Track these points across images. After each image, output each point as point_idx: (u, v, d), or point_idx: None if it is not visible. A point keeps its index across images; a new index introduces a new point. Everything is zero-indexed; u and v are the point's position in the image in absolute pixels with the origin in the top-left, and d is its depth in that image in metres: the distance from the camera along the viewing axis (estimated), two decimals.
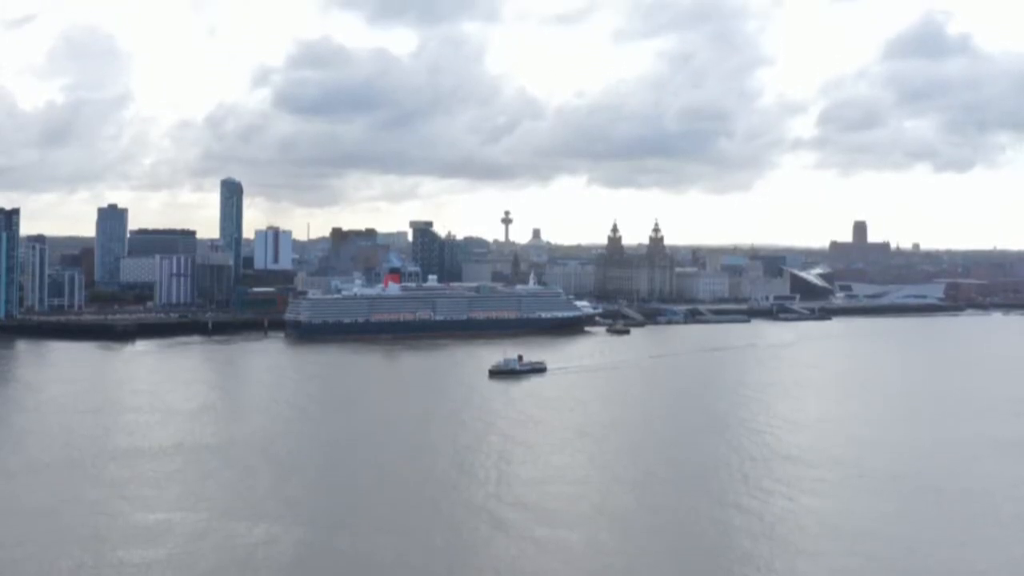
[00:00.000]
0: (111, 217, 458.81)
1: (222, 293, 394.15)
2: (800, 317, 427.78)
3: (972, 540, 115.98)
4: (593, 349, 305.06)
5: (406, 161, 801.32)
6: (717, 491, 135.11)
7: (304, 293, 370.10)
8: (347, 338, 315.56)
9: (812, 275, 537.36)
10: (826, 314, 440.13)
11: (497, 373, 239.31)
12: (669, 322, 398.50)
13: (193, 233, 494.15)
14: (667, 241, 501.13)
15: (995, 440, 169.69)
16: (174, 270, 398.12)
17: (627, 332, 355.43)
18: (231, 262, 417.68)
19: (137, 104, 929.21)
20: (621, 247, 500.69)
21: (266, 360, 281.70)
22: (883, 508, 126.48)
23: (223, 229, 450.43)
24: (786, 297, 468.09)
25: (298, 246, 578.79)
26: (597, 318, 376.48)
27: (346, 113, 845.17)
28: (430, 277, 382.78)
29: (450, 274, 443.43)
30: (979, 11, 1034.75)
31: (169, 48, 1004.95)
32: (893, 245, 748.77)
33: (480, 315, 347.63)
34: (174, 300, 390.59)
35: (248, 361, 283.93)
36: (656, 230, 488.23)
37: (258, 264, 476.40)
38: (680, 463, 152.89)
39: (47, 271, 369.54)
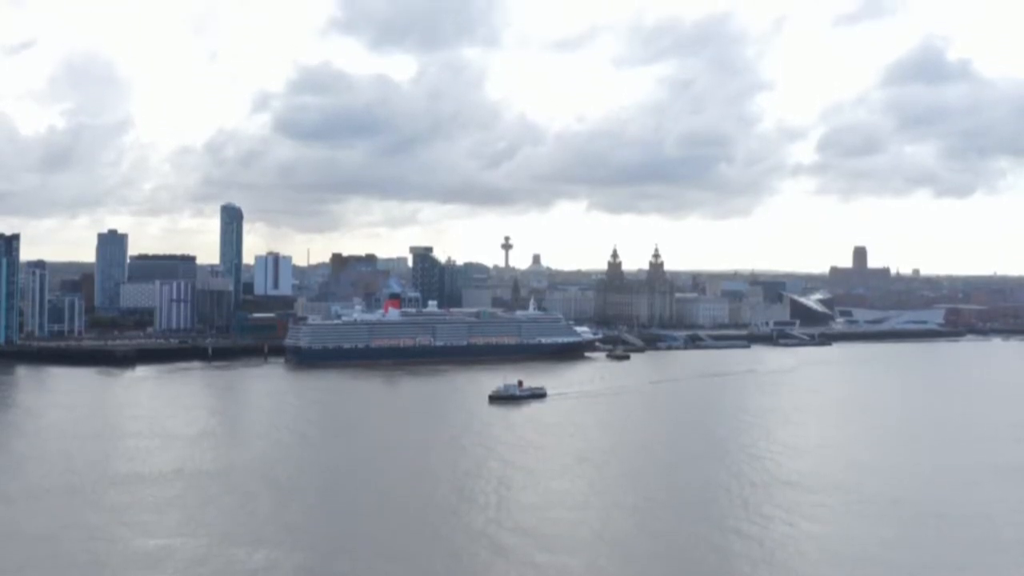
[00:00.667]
0: (111, 242, 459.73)
1: (222, 319, 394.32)
2: (800, 343, 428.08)
3: (972, 565, 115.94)
4: (593, 375, 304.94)
5: (406, 186, 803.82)
6: (717, 517, 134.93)
7: (304, 319, 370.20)
8: (347, 364, 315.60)
9: (812, 301, 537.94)
10: (826, 340, 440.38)
11: (497, 398, 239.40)
12: (669, 348, 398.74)
13: (193, 259, 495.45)
14: (667, 266, 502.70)
15: (995, 466, 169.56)
16: (174, 296, 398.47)
17: (627, 358, 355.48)
18: (231, 288, 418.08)
19: (137, 129, 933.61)
20: (621, 272, 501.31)
21: (266, 386, 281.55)
22: (883, 533, 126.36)
23: (223, 255, 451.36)
24: (786, 323, 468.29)
25: (298, 272, 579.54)
26: (597, 344, 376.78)
27: (346, 138, 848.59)
28: (430, 303, 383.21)
29: (450, 300, 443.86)
30: (979, 37, 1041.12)
31: (169, 73, 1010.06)
32: (893, 270, 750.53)
33: (480, 341, 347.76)
34: (174, 326, 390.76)
35: (248, 387, 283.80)
36: (656, 255, 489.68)
37: (258, 290, 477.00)
38: (680, 489, 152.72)
39: (47, 296, 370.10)
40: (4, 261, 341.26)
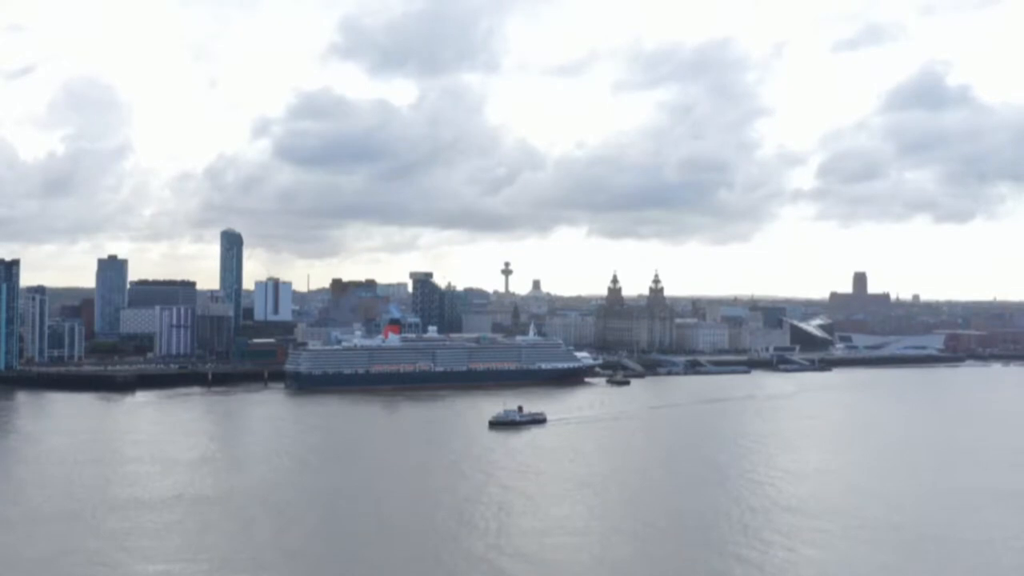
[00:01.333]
0: (111, 268, 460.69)
1: (222, 344, 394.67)
2: (800, 368, 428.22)
3: None
4: (593, 400, 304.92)
5: (406, 212, 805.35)
6: (717, 542, 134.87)
7: (304, 344, 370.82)
8: (347, 389, 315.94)
9: (812, 326, 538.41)
10: (826, 365, 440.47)
11: (497, 424, 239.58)
12: (669, 373, 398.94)
13: (193, 284, 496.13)
14: (667, 292, 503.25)
15: (995, 491, 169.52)
16: (174, 321, 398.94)
17: (627, 383, 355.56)
18: (231, 313, 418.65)
19: (137, 155, 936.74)
20: (621, 298, 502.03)
21: (266, 411, 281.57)
22: (883, 558, 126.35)
23: (223, 280, 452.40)
24: (786, 348, 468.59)
25: (298, 297, 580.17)
26: (597, 369, 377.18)
27: (346, 164, 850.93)
28: (430, 328, 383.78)
29: (450, 325, 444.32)
30: (978, 62, 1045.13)
31: (169, 99, 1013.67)
32: (893, 296, 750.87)
33: (480, 366, 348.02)
34: (174, 351, 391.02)
35: (248, 412, 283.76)
36: (656, 281, 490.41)
37: (258, 315, 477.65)
38: (680, 514, 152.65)
39: (47, 322, 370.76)
40: (4, 287, 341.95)
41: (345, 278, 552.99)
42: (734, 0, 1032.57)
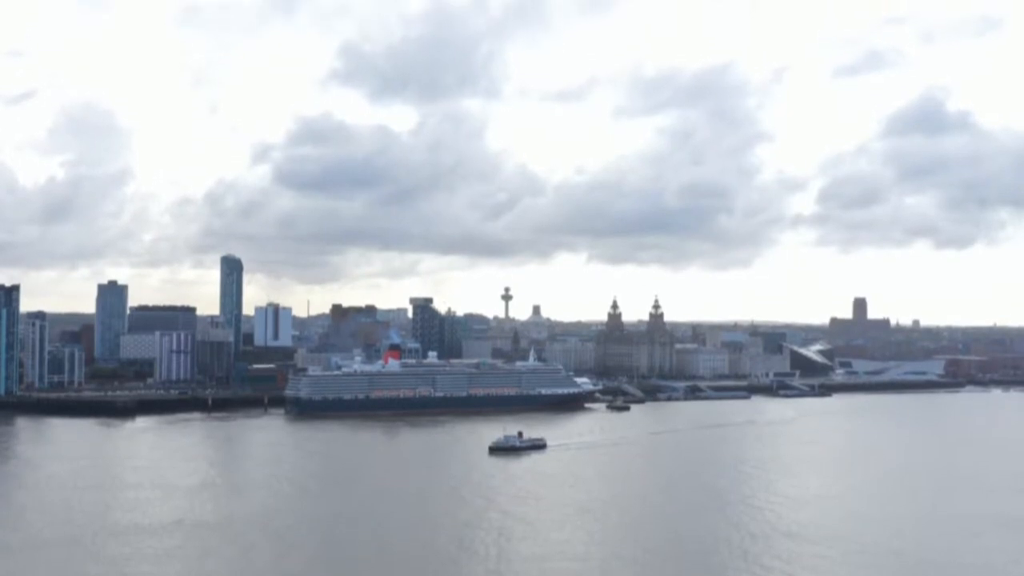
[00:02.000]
0: (111, 294, 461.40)
1: (222, 370, 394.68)
2: (800, 393, 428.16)
3: None
4: (593, 425, 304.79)
5: (406, 238, 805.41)
6: (717, 568, 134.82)
7: (304, 370, 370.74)
8: (347, 415, 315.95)
9: (812, 351, 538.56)
10: (826, 390, 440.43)
11: (497, 449, 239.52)
12: (669, 398, 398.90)
13: (193, 310, 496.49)
14: (667, 318, 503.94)
15: (995, 516, 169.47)
16: (174, 347, 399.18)
17: (627, 408, 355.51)
18: (231, 339, 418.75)
19: (137, 180, 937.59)
20: (621, 324, 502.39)
21: (266, 436, 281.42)
22: None
23: (223, 306, 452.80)
24: (786, 374, 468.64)
25: (298, 322, 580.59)
26: (597, 394, 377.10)
27: (346, 190, 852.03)
28: (430, 353, 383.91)
29: (450, 350, 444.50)
30: (978, 88, 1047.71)
31: (169, 125, 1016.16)
32: (893, 322, 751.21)
33: (480, 391, 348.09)
34: (174, 377, 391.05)
35: (248, 437, 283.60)
36: (656, 307, 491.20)
37: (258, 341, 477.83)
38: (680, 539, 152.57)
39: (47, 347, 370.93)
40: (4, 312, 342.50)
41: (345, 303, 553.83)
42: (734, 26, 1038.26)
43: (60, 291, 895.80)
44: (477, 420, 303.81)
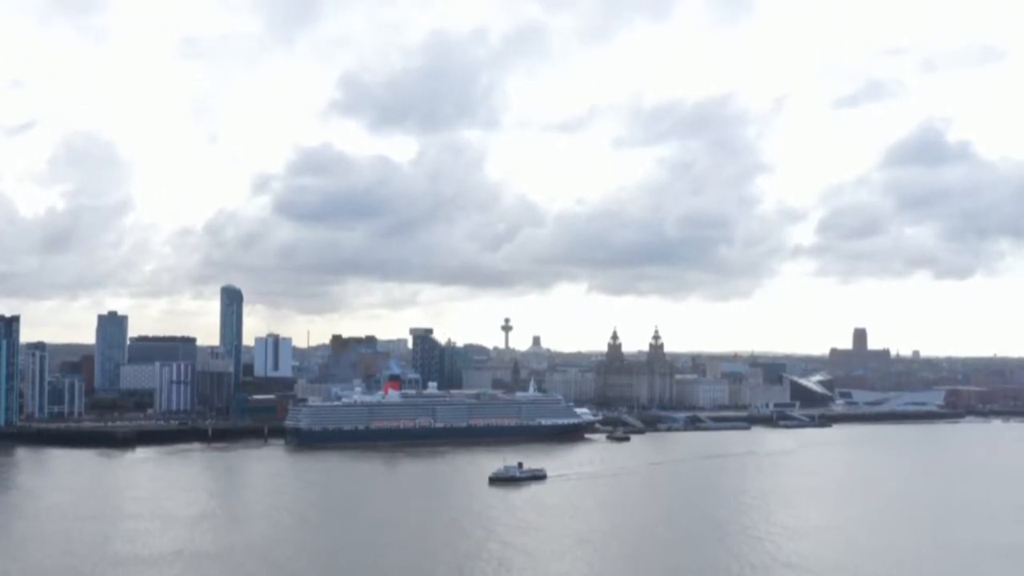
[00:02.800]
0: (111, 324, 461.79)
1: (222, 400, 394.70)
2: (800, 424, 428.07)
3: None
4: (593, 456, 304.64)
5: (406, 268, 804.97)
6: None
7: (304, 400, 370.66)
8: (347, 445, 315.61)
9: (812, 382, 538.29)
10: (826, 421, 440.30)
11: (497, 480, 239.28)
12: (669, 429, 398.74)
13: (193, 340, 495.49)
14: (667, 348, 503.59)
15: (995, 546, 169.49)
16: (174, 377, 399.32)
17: (627, 439, 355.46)
18: (231, 369, 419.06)
19: (137, 211, 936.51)
20: (621, 354, 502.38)
21: (266, 467, 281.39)
22: None
23: (223, 336, 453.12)
24: (786, 404, 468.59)
25: (298, 353, 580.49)
26: (597, 425, 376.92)
27: (346, 220, 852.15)
28: (430, 384, 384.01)
29: (450, 381, 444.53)
30: (978, 119, 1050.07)
31: (169, 155, 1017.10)
32: (893, 352, 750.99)
33: (480, 422, 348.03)
34: (174, 407, 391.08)
35: (248, 468, 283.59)
36: (656, 337, 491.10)
37: (258, 371, 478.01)
38: (680, 570, 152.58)
39: (47, 378, 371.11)
40: (4, 343, 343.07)
41: (345, 334, 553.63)
42: (734, 56, 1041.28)
43: (60, 321, 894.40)
44: (477, 451, 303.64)
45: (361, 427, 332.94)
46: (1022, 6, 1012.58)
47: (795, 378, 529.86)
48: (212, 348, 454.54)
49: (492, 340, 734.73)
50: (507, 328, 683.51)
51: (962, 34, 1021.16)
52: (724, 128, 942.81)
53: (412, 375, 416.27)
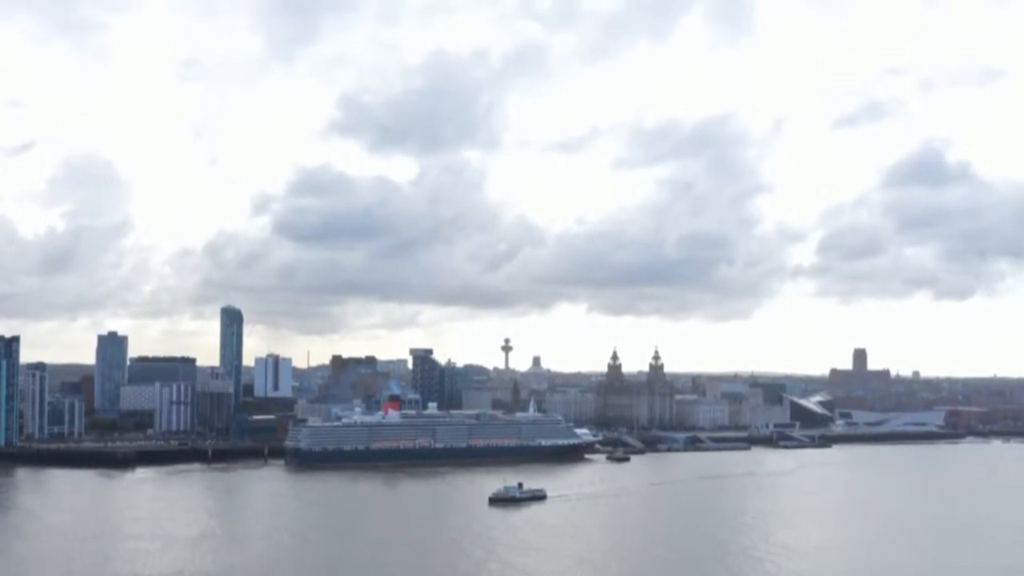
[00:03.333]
0: (111, 344, 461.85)
1: (222, 421, 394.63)
2: (800, 445, 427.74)
3: None
4: (593, 476, 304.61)
5: (406, 289, 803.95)
6: None
7: (304, 421, 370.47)
8: (347, 466, 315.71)
9: (812, 403, 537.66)
10: (826, 441, 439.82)
11: (497, 500, 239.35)
12: (669, 449, 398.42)
13: (193, 361, 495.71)
14: (667, 368, 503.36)
15: (995, 567, 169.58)
16: (174, 398, 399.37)
17: (627, 459, 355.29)
18: (231, 390, 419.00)
19: (137, 232, 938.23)
20: (621, 375, 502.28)
21: (266, 487, 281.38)
22: None
23: (223, 356, 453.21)
24: (786, 425, 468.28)
25: (298, 373, 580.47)
26: (597, 445, 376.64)
27: (346, 241, 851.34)
28: (430, 404, 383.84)
29: (450, 401, 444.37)
30: (978, 139, 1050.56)
31: (169, 176, 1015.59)
32: (893, 373, 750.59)
33: (480, 442, 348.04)
34: (174, 427, 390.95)
35: (248, 488, 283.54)
36: (656, 357, 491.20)
37: (258, 391, 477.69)
38: None
39: (47, 398, 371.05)
40: (4, 363, 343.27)
41: (345, 354, 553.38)
42: (734, 77, 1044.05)
43: (60, 342, 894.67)
44: (477, 471, 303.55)
45: (361, 447, 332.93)
46: (1021, 27, 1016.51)
47: (795, 398, 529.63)
48: (212, 368, 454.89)
49: (492, 360, 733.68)
50: (507, 348, 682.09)
51: (961, 54, 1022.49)
52: (724, 148, 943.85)
53: (412, 395, 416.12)
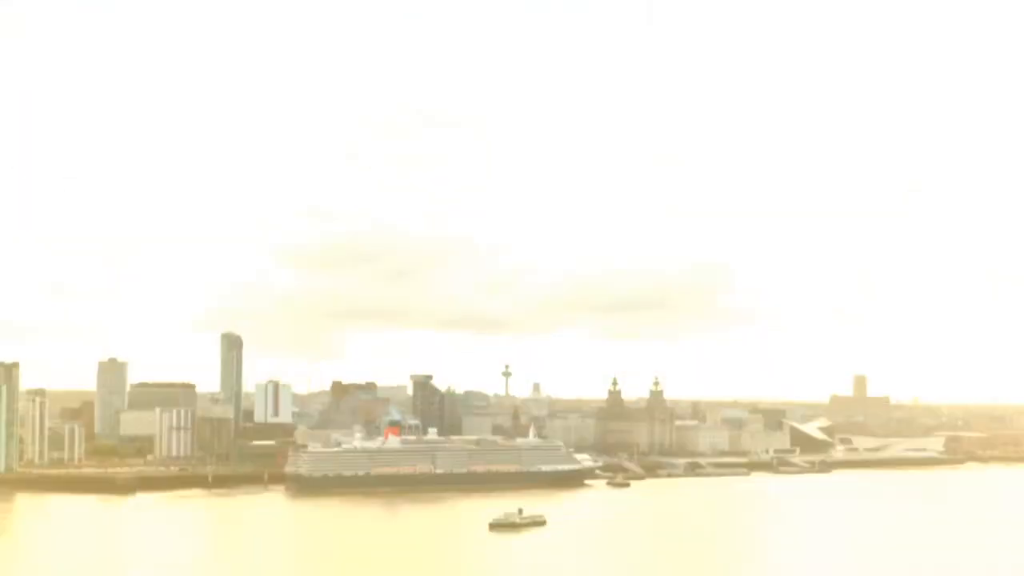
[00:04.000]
0: (111, 370, 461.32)
1: (222, 446, 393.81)
2: (800, 470, 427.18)
3: None
4: (593, 502, 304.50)
5: (407, 314, 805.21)
6: None
7: (304, 446, 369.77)
8: (347, 491, 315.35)
9: (812, 428, 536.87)
10: (826, 467, 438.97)
11: (497, 526, 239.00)
12: (669, 475, 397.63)
13: (193, 386, 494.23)
14: (667, 394, 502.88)
15: None
16: (174, 423, 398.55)
17: (627, 485, 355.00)
18: (231, 415, 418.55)
19: (141, 256, 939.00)
20: (621, 400, 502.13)
21: (266, 513, 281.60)
22: None
23: (223, 382, 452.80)
24: (786, 450, 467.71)
25: (298, 399, 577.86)
26: (597, 471, 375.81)
27: (347, 266, 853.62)
28: (430, 430, 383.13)
29: (450, 427, 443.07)
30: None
31: None
32: (893, 399, 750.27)
33: (480, 468, 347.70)
34: (174, 453, 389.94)
35: (248, 514, 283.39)
36: (656, 383, 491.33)
37: (258, 417, 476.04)
38: None
39: (47, 424, 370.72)
40: (4, 389, 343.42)
41: (345, 380, 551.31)
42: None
43: (60, 368, 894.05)
44: (477, 497, 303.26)
45: (361, 473, 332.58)
46: None
47: (795, 424, 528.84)
48: (212, 394, 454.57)
49: (492, 386, 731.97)
50: (507, 374, 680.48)
51: None
52: None
53: (412, 421, 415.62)
